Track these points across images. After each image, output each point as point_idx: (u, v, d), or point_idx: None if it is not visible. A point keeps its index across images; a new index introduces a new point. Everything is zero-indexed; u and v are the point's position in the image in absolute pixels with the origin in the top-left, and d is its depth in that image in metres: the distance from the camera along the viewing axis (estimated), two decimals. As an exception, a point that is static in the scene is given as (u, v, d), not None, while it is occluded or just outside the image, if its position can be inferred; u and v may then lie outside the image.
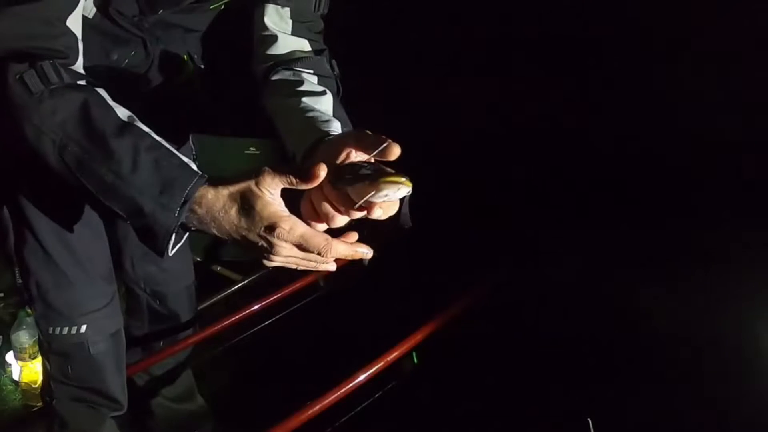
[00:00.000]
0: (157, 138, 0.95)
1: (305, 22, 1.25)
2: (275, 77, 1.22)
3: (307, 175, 0.83)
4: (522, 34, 1.96)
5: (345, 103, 1.20)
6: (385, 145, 0.84)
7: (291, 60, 1.23)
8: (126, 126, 0.94)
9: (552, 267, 1.89)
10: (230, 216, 0.86)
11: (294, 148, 1.06)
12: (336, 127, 1.06)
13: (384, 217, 0.86)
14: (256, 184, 0.85)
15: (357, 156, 0.90)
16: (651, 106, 1.75)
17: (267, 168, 0.85)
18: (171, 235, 0.90)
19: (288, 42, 1.23)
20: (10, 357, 2.02)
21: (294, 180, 0.84)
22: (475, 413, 1.70)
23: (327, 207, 0.86)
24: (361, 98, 1.25)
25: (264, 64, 1.25)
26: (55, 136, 0.93)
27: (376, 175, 0.78)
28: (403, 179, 0.77)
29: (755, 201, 1.58)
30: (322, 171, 0.82)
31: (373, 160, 0.86)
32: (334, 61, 1.26)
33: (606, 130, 1.83)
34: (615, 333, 1.70)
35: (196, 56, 1.37)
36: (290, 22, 1.23)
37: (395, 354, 1.67)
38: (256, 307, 1.91)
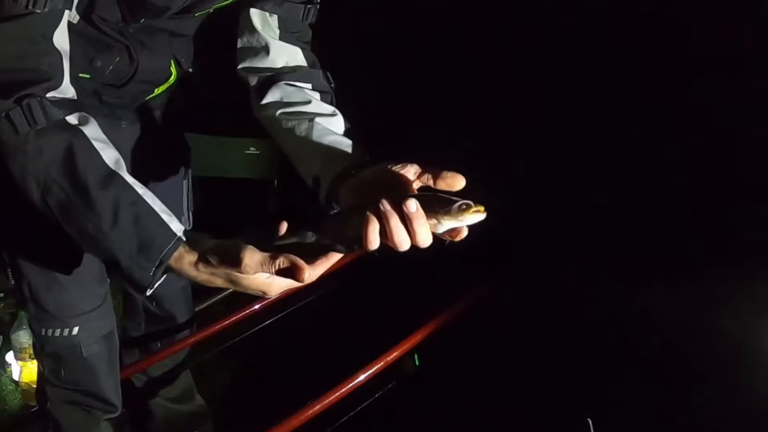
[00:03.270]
0: (140, 191, 0.94)
1: (294, 32, 1.21)
2: (276, 92, 1.16)
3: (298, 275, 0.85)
4: (522, 36, 1.95)
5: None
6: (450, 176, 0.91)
7: (287, 72, 1.18)
8: (110, 176, 0.93)
9: (552, 267, 1.87)
10: (215, 280, 0.90)
11: (318, 172, 1.04)
12: (361, 151, 1.05)
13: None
14: (241, 270, 0.86)
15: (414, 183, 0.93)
16: (649, 105, 1.74)
17: (247, 261, 0.85)
18: (146, 290, 0.92)
19: (279, 50, 1.19)
20: (10, 357, 2.01)
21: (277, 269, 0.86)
22: (474, 413, 1.69)
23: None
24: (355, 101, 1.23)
25: (257, 74, 1.20)
26: (40, 177, 0.92)
27: (458, 206, 0.84)
28: (482, 207, 0.84)
29: (755, 201, 1.58)
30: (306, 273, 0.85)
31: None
32: (329, 73, 1.23)
33: (606, 132, 1.82)
34: (615, 333, 1.68)
35: (183, 60, 1.34)
36: (278, 31, 1.19)
37: (395, 354, 1.65)
38: (256, 307, 1.89)
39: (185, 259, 0.90)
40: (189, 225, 1.52)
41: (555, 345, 1.74)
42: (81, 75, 1.20)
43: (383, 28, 2.19)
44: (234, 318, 1.87)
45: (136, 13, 1.13)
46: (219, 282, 0.90)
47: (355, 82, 1.35)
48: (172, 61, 1.34)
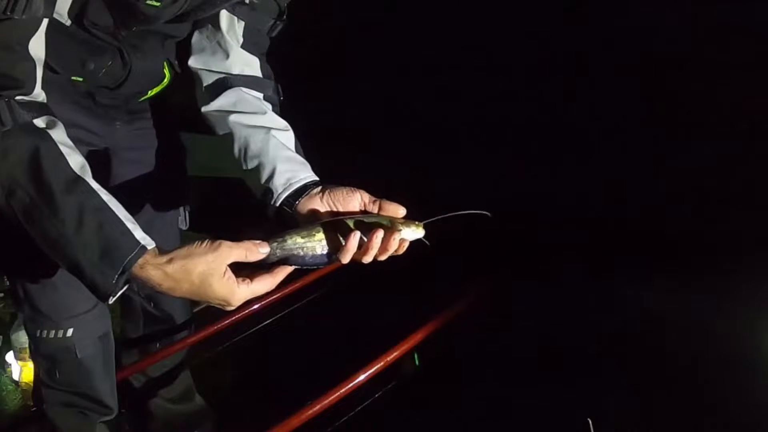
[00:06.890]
0: (105, 198, 0.93)
1: (256, 43, 1.23)
2: (231, 96, 1.19)
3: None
4: (521, 35, 1.93)
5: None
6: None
7: (241, 78, 1.20)
8: (75, 181, 0.92)
9: (552, 267, 1.86)
10: (180, 286, 0.91)
11: (271, 184, 1.09)
12: (310, 170, 1.11)
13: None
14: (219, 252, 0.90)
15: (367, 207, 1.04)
16: (650, 106, 1.73)
17: (230, 275, 0.91)
18: (108, 298, 0.93)
19: (238, 57, 1.21)
20: (10, 357, 1.99)
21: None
22: (474, 413, 1.67)
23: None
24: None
25: (212, 74, 1.22)
26: (4, 179, 0.91)
27: (414, 223, 1.01)
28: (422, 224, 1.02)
29: (755, 200, 1.56)
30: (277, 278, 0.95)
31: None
32: (279, 87, 1.26)
33: (606, 130, 1.81)
34: (615, 333, 1.66)
35: (176, 62, 1.33)
36: (241, 39, 1.21)
37: (395, 354, 1.63)
38: (255, 306, 1.87)
39: (149, 267, 0.90)
40: (186, 225, 1.50)
41: (555, 345, 1.72)
42: (74, 78, 1.19)
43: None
44: (233, 318, 1.84)
45: (127, 20, 1.11)
46: (184, 287, 0.90)
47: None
48: (165, 63, 1.32)
